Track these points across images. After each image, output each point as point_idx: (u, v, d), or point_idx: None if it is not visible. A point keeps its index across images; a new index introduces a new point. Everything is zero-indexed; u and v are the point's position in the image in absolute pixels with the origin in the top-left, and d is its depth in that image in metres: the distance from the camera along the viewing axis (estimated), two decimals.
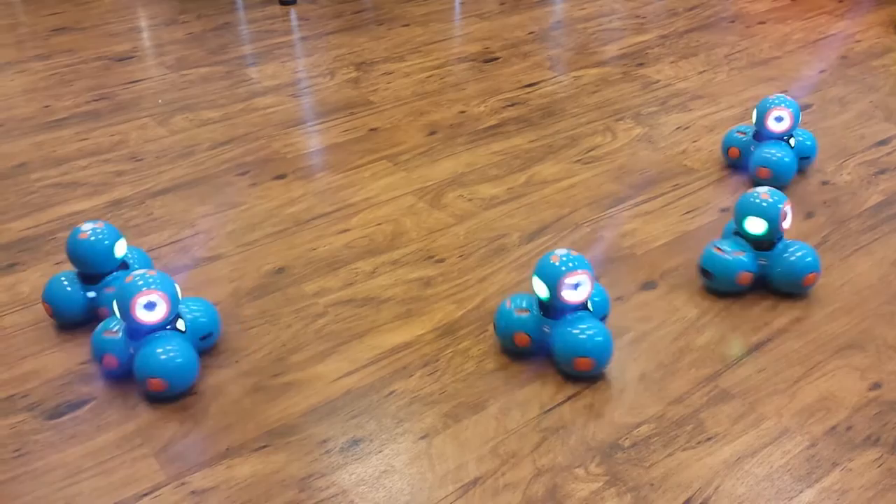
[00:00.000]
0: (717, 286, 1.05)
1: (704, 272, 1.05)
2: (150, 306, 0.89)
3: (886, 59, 1.76)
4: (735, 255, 1.03)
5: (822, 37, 1.90)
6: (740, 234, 1.05)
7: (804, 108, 1.55)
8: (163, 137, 1.52)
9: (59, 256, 1.17)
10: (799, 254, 1.03)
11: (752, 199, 1.03)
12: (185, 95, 1.68)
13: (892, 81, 1.65)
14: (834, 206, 1.25)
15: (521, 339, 0.94)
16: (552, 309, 0.92)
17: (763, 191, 1.03)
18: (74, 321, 1.02)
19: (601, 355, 0.91)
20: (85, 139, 1.52)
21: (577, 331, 0.91)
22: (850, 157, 1.38)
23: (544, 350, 0.94)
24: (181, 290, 0.93)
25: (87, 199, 1.32)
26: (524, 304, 0.95)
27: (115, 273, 1.02)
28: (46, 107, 1.65)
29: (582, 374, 0.92)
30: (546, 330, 0.93)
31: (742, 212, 1.03)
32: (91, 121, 1.59)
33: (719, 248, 1.04)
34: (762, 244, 1.04)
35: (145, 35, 2.05)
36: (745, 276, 1.03)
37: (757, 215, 1.02)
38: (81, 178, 1.38)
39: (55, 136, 1.53)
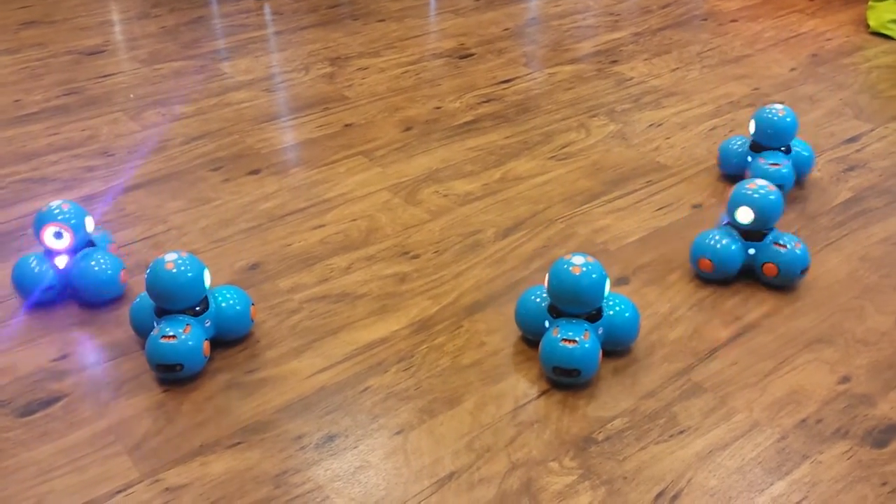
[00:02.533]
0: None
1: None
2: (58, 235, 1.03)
3: (856, 58, 1.78)
4: (784, 165, 1.20)
5: (794, 35, 1.92)
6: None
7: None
8: (135, 132, 1.50)
9: (30, 252, 1.16)
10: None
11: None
12: (157, 90, 1.67)
13: (862, 79, 1.68)
14: (804, 202, 1.26)
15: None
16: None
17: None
18: None
19: None
20: (55, 134, 1.50)
21: None
22: (819, 154, 1.40)
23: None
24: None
25: (58, 194, 1.31)
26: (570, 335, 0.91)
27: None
28: (16, 101, 1.63)
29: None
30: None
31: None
32: (61, 115, 1.57)
33: (772, 163, 1.21)
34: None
35: (117, 29, 2.02)
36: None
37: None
38: (52, 174, 1.37)
39: (25, 131, 1.51)
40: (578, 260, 0.90)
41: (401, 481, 0.81)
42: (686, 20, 2.03)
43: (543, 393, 0.91)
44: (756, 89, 1.64)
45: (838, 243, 1.16)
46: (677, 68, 1.74)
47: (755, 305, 1.04)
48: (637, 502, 0.79)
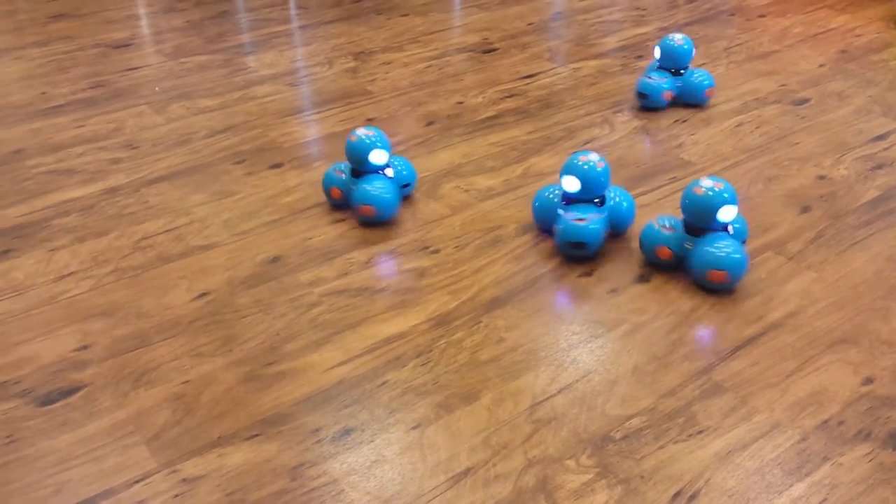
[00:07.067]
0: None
1: (642, 95, 1.52)
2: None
3: (886, 55, 1.75)
4: (658, 81, 1.51)
5: (822, 31, 1.89)
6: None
7: (802, 102, 1.55)
8: (159, 125, 1.51)
9: (54, 243, 1.17)
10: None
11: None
12: (182, 83, 1.68)
13: (891, 76, 1.65)
14: (830, 200, 1.24)
15: (664, 252, 1.09)
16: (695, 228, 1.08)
17: None
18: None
19: (736, 270, 1.04)
20: (81, 126, 1.51)
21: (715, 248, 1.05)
22: (847, 151, 1.38)
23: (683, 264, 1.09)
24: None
25: (83, 186, 1.32)
26: (668, 224, 1.09)
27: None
28: (43, 93, 1.65)
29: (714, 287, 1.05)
30: (687, 246, 1.07)
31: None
32: (88, 108, 1.58)
33: (649, 77, 1.52)
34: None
35: (143, 22, 2.04)
36: (669, 94, 1.52)
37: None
38: (77, 166, 1.38)
39: (52, 123, 1.53)
40: (707, 183, 1.04)
41: (416, 476, 0.81)
42: (713, 15, 2.00)
43: (561, 390, 0.91)
44: (783, 86, 1.62)
45: (865, 242, 1.15)
46: (704, 64, 1.72)
47: (778, 305, 1.03)
48: (654, 502, 0.78)
